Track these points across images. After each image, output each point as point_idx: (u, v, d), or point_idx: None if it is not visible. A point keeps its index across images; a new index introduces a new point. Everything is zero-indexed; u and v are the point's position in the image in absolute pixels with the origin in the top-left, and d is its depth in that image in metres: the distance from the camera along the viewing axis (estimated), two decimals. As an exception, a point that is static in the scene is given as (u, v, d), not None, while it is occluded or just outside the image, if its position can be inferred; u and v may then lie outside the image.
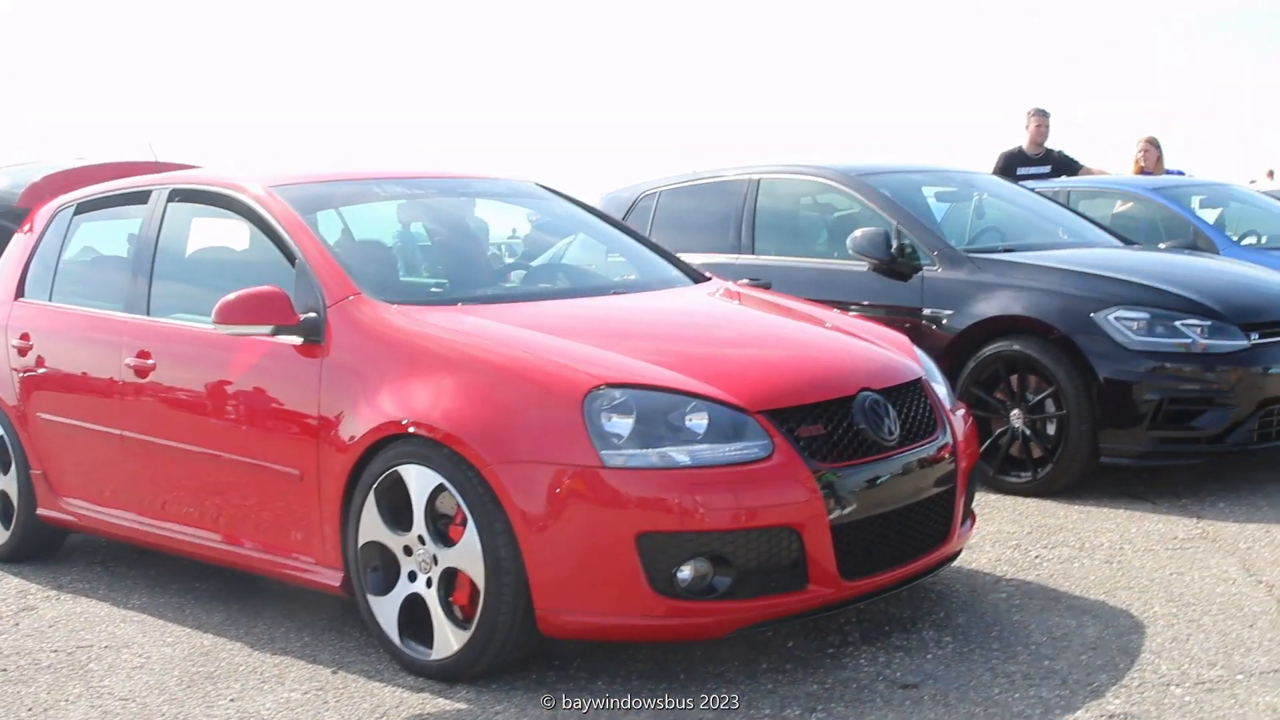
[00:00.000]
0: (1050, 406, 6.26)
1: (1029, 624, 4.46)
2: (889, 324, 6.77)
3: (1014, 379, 6.39)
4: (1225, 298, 6.32)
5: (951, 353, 6.56)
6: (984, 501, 6.16)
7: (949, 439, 4.44)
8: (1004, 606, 4.66)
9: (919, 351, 4.87)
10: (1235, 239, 9.51)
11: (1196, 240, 9.06)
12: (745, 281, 5.92)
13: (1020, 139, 11.79)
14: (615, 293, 5.11)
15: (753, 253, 7.67)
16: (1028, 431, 6.33)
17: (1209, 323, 6.10)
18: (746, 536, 3.76)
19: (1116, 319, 6.11)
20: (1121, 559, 5.21)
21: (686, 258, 6.58)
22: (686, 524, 3.70)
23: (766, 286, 5.86)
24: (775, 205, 7.82)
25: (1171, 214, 9.42)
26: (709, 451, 3.78)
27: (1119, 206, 9.85)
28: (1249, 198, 10.46)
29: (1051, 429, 6.28)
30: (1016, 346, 6.34)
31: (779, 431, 3.87)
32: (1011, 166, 11.81)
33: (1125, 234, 8.65)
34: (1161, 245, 8.79)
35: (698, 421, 3.82)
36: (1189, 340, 6.05)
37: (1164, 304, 6.18)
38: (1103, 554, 5.28)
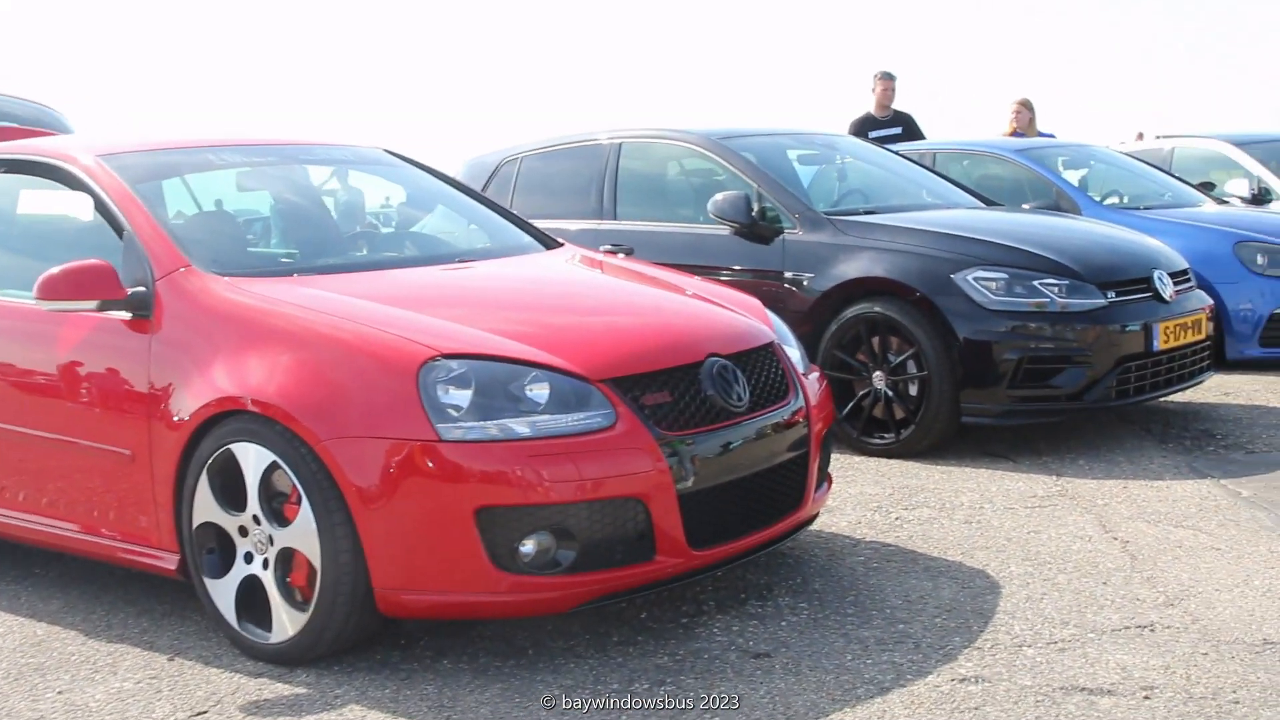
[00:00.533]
0: (912, 368, 6.24)
1: (885, 587, 4.42)
2: (752, 288, 6.75)
3: (876, 341, 6.37)
4: (1083, 257, 6.35)
5: (814, 316, 6.52)
6: (847, 464, 6.14)
7: (802, 403, 4.38)
8: (861, 570, 4.63)
9: (772, 315, 4.80)
10: (1098, 199, 9.60)
11: (1059, 201, 9.13)
12: (606, 248, 5.82)
13: (869, 103, 12.04)
14: (462, 261, 4.97)
15: (615, 218, 7.56)
16: (890, 393, 6.32)
17: (1066, 282, 6.13)
18: (590, 508, 3.66)
19: (975, 279, 6.11)
20: (981, 519, 5.21)
21: (549, 224, 6.53)
22: (528, 497, 3.59)
23: (628, 253, 5.76)
24: (637, 169, 7.71)
25: (1035, 175, 9.48)
26: (550, 422, 3.67)
27: (984, 168, 9.90)
28: (1112, 159, 10.57)
29: (914, 390, 6.27)
30: (877, 309, 6.32)
31: (623, 400, 3.77)
32: (864, 130, 11.90)
33: (990, 196, 8.69)
34: (1025, 206, 8.85)
35: (539, 392, 3.71)
36: (1046, 300, 6.07)
37: (1022, 264, 6.19)
38: (962, 514, 5.28)
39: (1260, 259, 8.37)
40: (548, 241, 5.41)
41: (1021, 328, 6.05)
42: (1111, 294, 6.20)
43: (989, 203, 7.81)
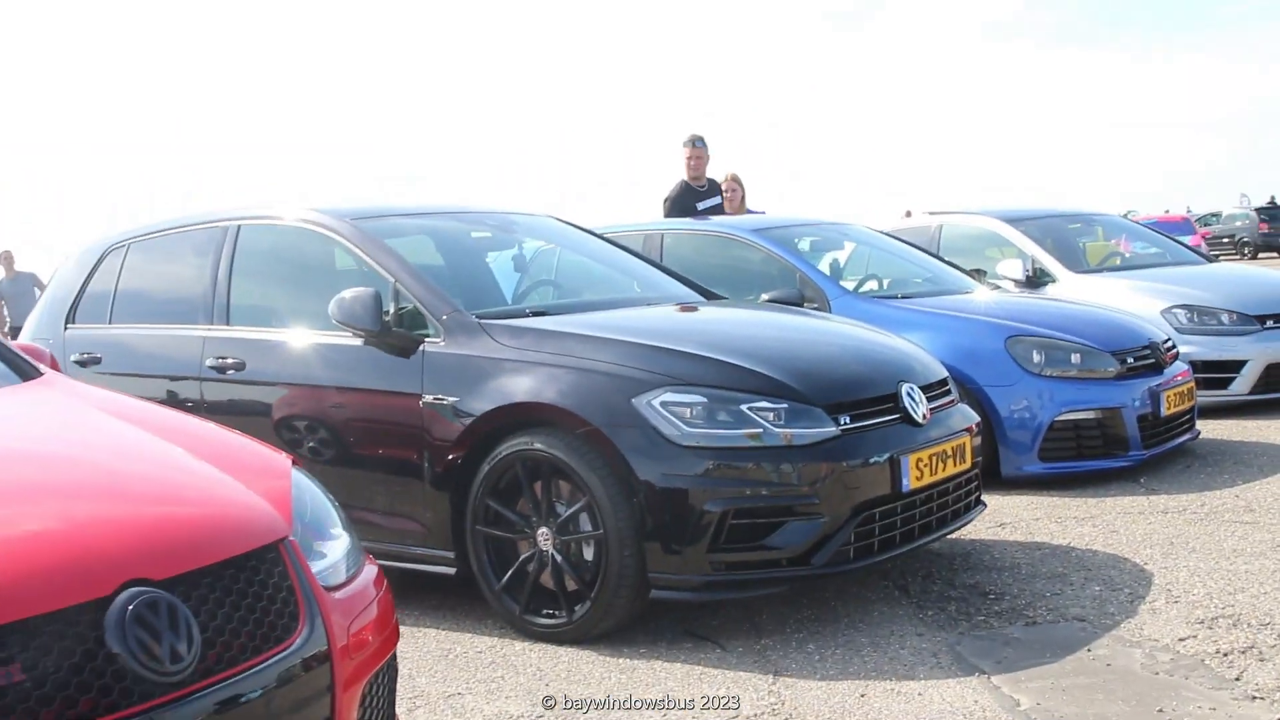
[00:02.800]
0: (586, 523, 4.62)
1: None
2: (385, 418, 5.10)
3: (539, 487, 4.73)
4: (809, 371, 4.81)
5: (461, 453, 4.86)
6: (501, 655, 4.46)
7: (321, 643, 2.68)
8: None
9: (305, 489, 3.11)
10: (852, 287, 8.20)
11: (805, 290, 7.68)
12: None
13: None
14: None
15: (227, 323, 5.79)
16: (559, 557, 4.67)
17: (785, 405, 4.58)
18: None
19: (664, 405, 4.52)
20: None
21: (154, 332, 5.76)
22: None
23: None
24: (254, 263, 5.95)
25: (777, 259, 8.02)
26: None
27: (719, 252, 8.41)
28: (871, 239, 9.21)
29: (589, 553, 4.64)
30: (538, 444, 4.67)
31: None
32: (688, 202, 10.70)
33: (726, 285, 7.21)
34: (765, 297, 7.36)
35: None
36: (759, 429, 4.51)
37: (726, 382, 4.62)
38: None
39: (1037, 356, 7.01)
40: (27, 371, 3.67)
41: (726, 469, 4.47)
42: (845, 419, 4.68)
43: (710, 296, 6.28)
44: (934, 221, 11.18)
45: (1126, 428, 6.98)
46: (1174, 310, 9.19)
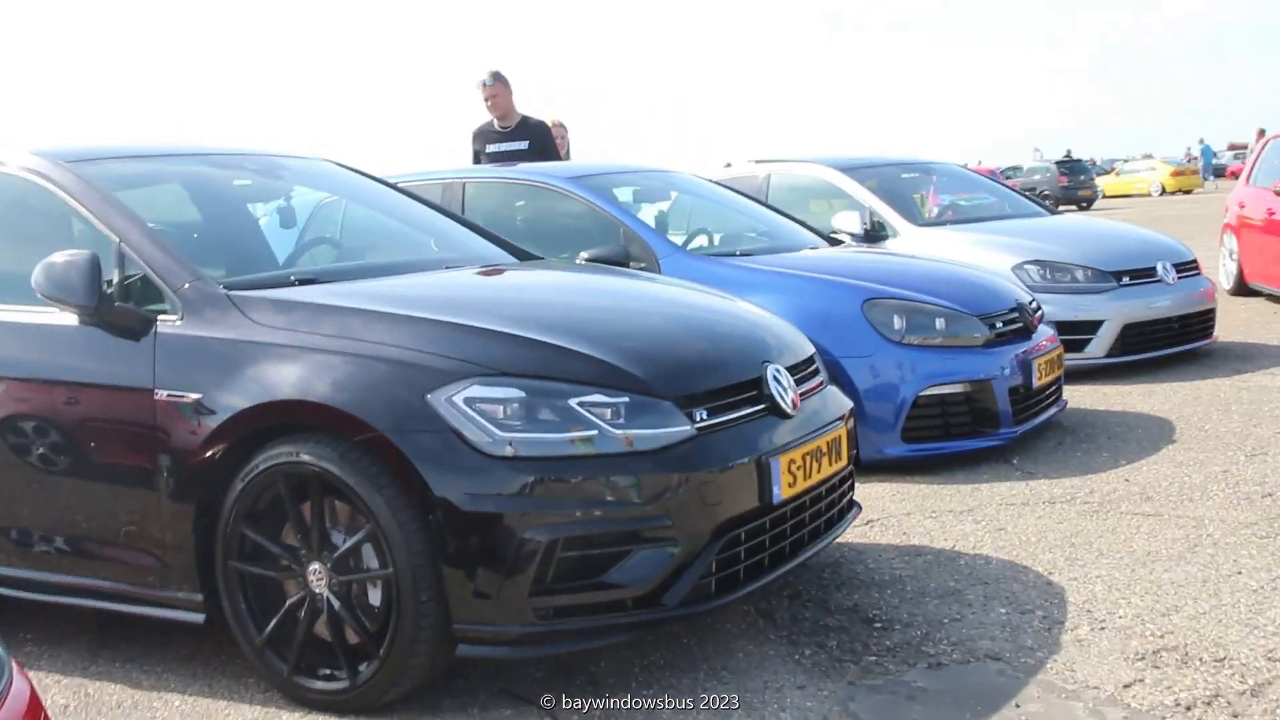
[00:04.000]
0: (372, 558, 3.54)
1: None
2: (112, 413, 3.96)
3: (309, 511, 3.63)
4: (653, 353, 3.79)
5: (210, 465, 3.72)
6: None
7: None
8: None
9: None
10: (681, 242, 7.22)
11: (630, 246, 6.67)
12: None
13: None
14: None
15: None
16: (336, 602, 3.58)
17: (625, 398, 3.55)
18: None
19: (469, 402, 3.45)
20: None
21: None
22: None
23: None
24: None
25: (597, 211, 6.97)
26: None
27: (530, 203, 7.34)
28: (699, 189, 8.23)
29: (376, 597, 3.56)
30: (306, 456, 3.56)
31: None
32: (483, 144, 9.49)
33: (539, 242, 6.16)
34: (584, 255, 6.34)
35: None
36: (593, 431, 3.48)
37: (549, 370, 3.57)
38: None
39: (898, 321, 6.12)
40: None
41: (552, 484, 3.42)
42: (701, 413, 3.67)
43: (523, 256, 5.21)
44: (761, 171, 10.27)
45: (997, 402, 6.16)
46: (1025, 266, 8.45)
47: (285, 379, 3.63)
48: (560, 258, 6.27)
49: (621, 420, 3.50)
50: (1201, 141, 61.61)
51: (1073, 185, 41.22)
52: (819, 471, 4.02)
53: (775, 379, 3.97)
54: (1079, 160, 45.50)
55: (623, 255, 6.46)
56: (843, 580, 4.54)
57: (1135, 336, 8.45)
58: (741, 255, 6.77)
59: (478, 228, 5.43)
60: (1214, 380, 8.05)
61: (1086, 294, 8.37)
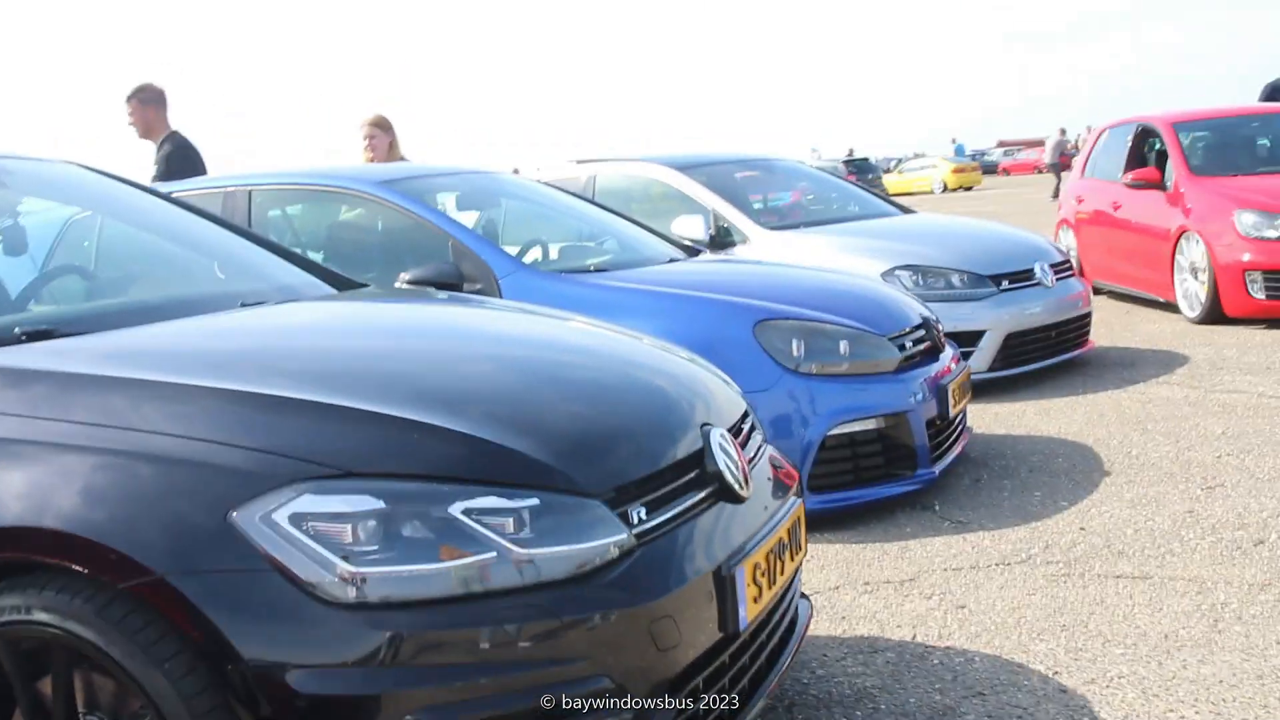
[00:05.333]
0: (148, 760, 2.28)
1: None
2: None
3: (52, 689, 2.35)
4: (560, 425, 2.61)
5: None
6: None
7: None
8: None
9: None
10: (517, 253, 6.03)
11: (461, 261, 5.47)
12: None
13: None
14: None
15: None
16: (97, 832, 2.32)
17: (532, 499, 2.35)
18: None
19: (295, 520, 2.22)
20: None
21: None
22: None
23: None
24: None
25: (417, 221, 5.73)
26: None
27: (334, 213, 6.06)
28: (528, 192, 7.04)
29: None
30: (42, 613, 2.28)
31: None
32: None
33: (347, 260, 4.95)
34: (405, 277, 5.14)
35: None
36: (487, 555, 2.27)
37: (415, 462, 2.35)
38: None
39: (796, 346, 5.06)
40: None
41: (430, 643, 2.23)
42: (639, 511, 2.51)
43: (344, 284, 3.95)
44: (584, 172, 9.15)
45: (914, 437, 5.15)
46: (896, 273, 7.52)
47: (8, 494, 2.34)
48: (396, 289, 5.02)
49: (528, 533, 2.32)
50: (954, 141, 63.97)
51: (861, 184, 41.15)
52: (782, 573, 2.92)
53: (721, 448, 2.85)
54: (865, 158, 45.68)
55: (454, 275, 5.26)
56: (793, 700, 3.44)
57: (1016, 347, 7.61)
58: (596, 271, 5.61)
59: (280, 248, 4.14)
60: (1108, 393, 7.24)
61: (964, 301, 7.48)
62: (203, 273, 4.03)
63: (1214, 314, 9.44)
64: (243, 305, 3.38)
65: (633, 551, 2.42)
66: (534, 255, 6.39)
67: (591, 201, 6.98)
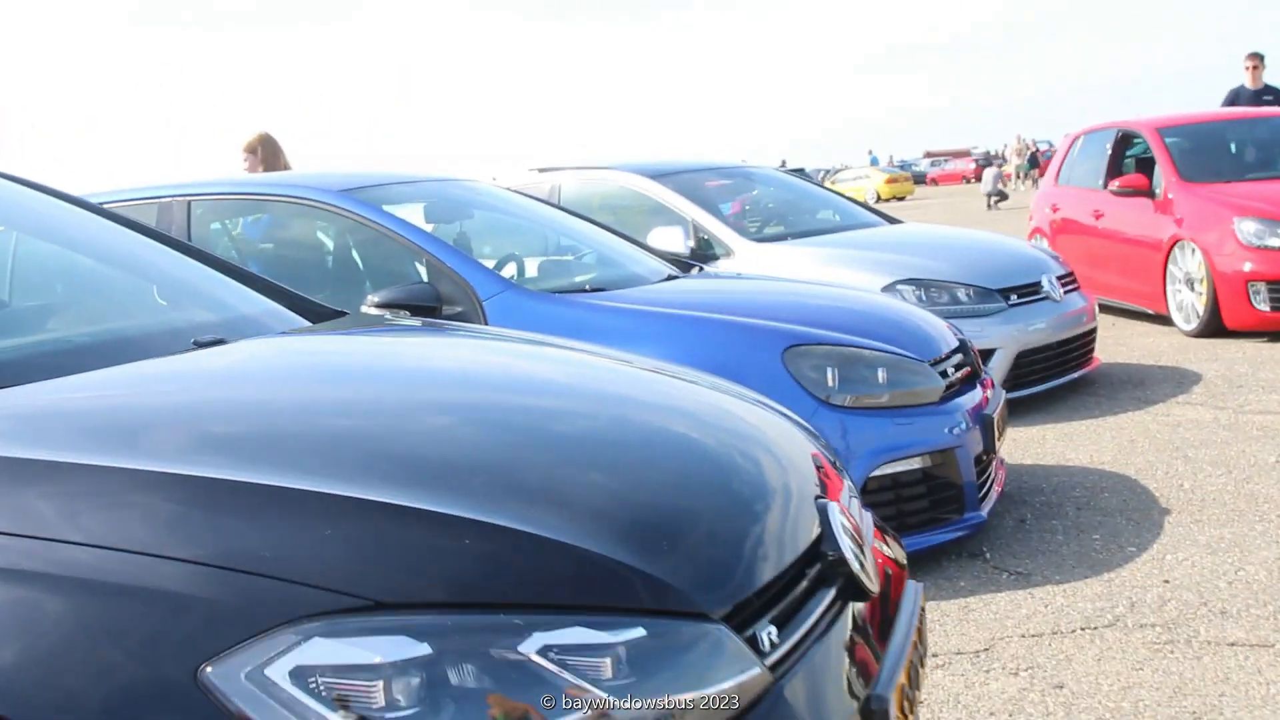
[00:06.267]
0: None
1: None
2: None
3: None
4: (658, 519, 1.95)
5: None
6: None
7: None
8: None
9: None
10: (495, 266, 5.33)
11: (438, 280, 4.78)
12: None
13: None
14: None
15: None
16: None
17: (636, 629, 1.68)
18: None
19: (298, 677, 1.52)
20: None
21: None
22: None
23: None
24: None
25: (386, 235, 5.02)
26: None
27: (290, 224, 5.34)
28: (496, 201, 6.34)
29: None
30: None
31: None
32: None
33: (307, 284, 4.25)
34: (373, 300, 4.45)
35: None
36: (577, 716, 1.61)
37: (470, 587, 1.67)
38: None
39: (831, 375, 4.41)
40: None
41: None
42: (768, 632, 1.83)
43: (320, 314, 3.24)
44: (546, 181, 8.47)
45: (962, 476, 4.53)
46: (898, 287, 6.91)
47: None
48: (362, 316, 4.31)
49: (629, 677, 1.64)
50: (870, 153, 64.92)
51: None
52: (919, 692, 2.26)
53: (843, 528, 2.19)
54: (801, 169, 45.29)
55: (430, 297, 4.58)
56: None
57: (1026, 366, 7.02)
58: (592, 290, 4.93)
59: (236, 268, 3.39)
60: (1129, 415, 6.68)
61: (973, 318, 6.87)
62: (143, 303, 3.29)
63: (1212, 326, 8.94)
64: (197, 345, 2.64)
65: (769, 690, 1.75)
66: (509, 271, 5.70)
67: (573, 213, 6.28)
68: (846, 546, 2.13)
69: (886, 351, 4.53)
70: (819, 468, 2.40)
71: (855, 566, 2.12)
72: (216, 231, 5.50)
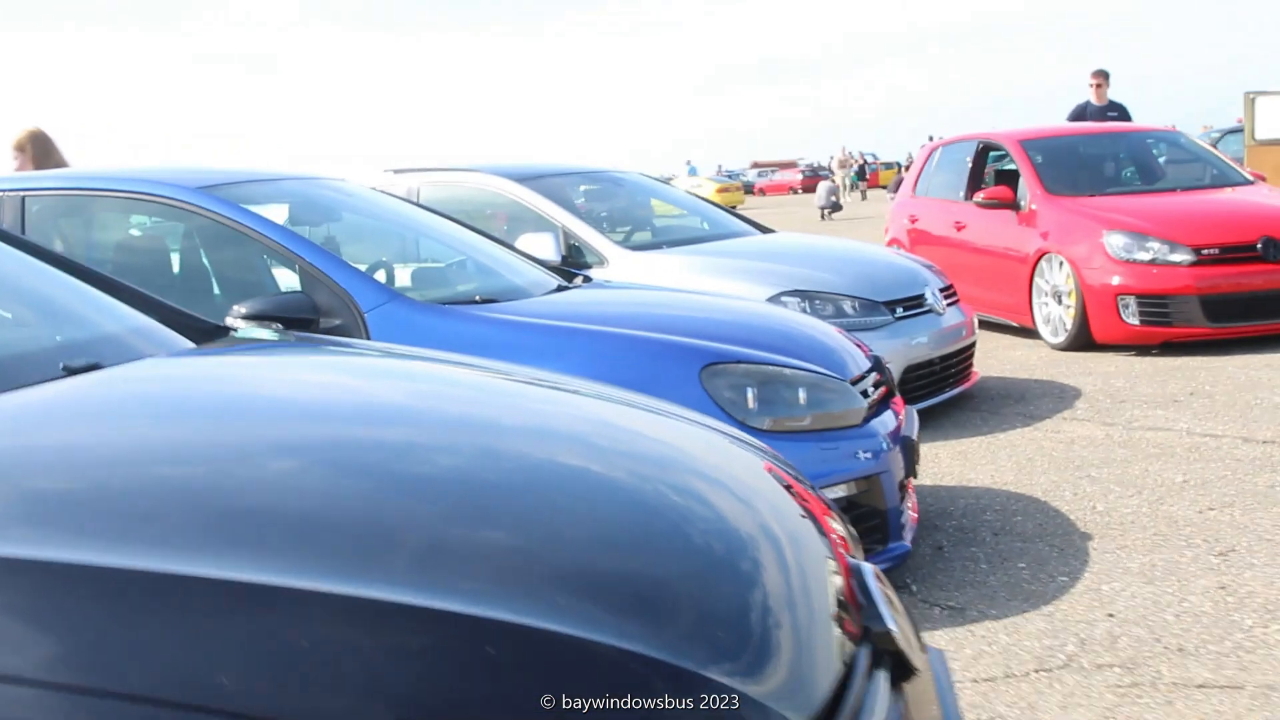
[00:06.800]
0: None
1: None
2: None
3: None
4: (736, 625, 1.56)
5: None
6: None
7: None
8: None
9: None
10: (367, 269, 4.86)
11: (313, 290, 4.30)
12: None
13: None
14: None
15: None
16: None
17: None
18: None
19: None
20: None
21: None
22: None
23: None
24: None
25: (252, 238, 4.51)
26: None
27: (150, 227, 4.79)
28: (373, 204, 5.85)
29: None
30: None
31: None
32: None
33: (169, 275, 3.77)
34: (240, 310, 3.96)
35: None
36: None
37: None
38: None
39: (751, 397, 4.06)
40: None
41: None
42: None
43: (207, 333, 2.76)
44: (402, 184, 7.97)
45: (886, 502, 4.22)
46: (783, 299, 6.62)
47: None
48: (250, 332, 3.81)
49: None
50: (688, 163, 66.00)
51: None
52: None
53: (886, 598, 1.82)
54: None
55: (305, 308, 4.11)
56: None
57: (911, 382, 6.79)
58: (484, 302, 4.50)
59: (105, 278, 2.88)
60: (1017, 431, 6.50)
61: (859, 331, 6.59)
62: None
63: (1081, 340, 8.88)
64: (67, 371, 2.14)
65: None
66: (381, 279, 5.23)
67: (449, 218, 5.81)
68: (891, 621, 1.76)
69: (807, 370, 4.21)
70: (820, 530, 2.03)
71: (902, 645, 1.75)
72: (53, 232, 4.92)
